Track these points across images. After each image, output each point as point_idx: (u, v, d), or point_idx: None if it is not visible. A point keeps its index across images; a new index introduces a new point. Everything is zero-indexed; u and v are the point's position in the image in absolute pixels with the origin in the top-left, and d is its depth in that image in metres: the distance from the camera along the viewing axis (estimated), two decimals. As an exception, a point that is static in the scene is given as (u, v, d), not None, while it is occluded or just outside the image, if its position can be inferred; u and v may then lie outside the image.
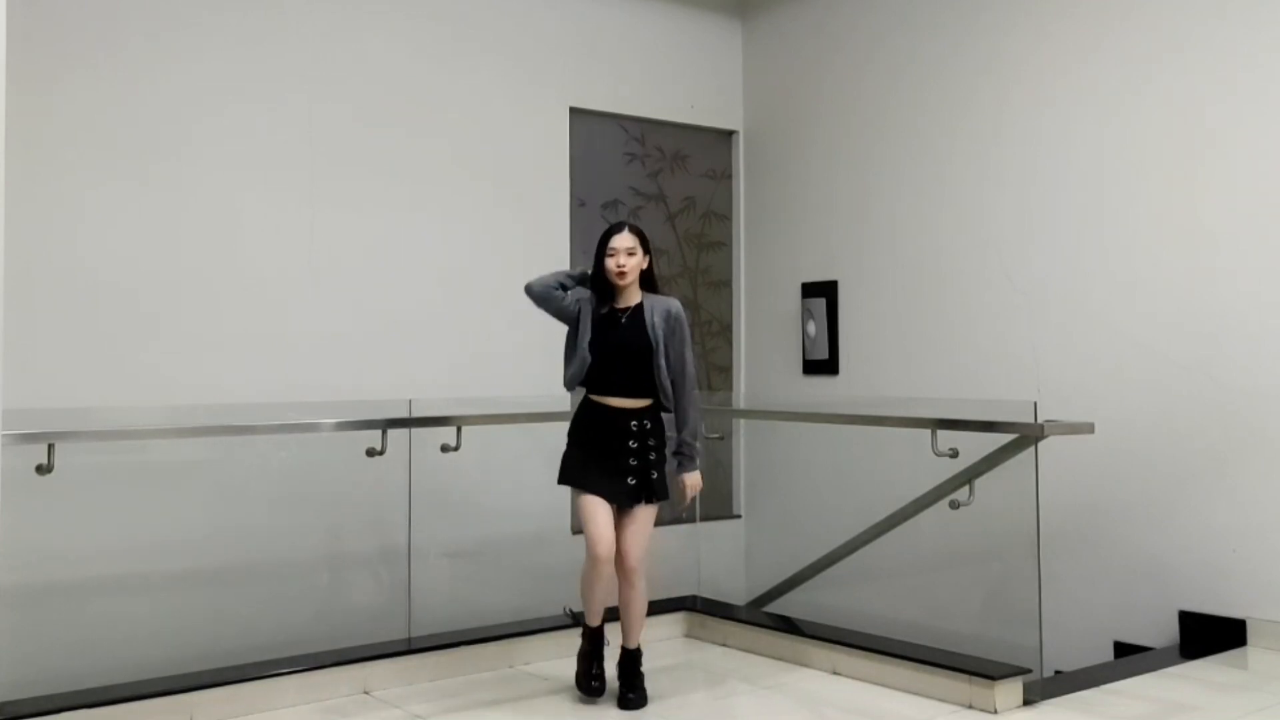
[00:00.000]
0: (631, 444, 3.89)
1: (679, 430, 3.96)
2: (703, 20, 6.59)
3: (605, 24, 6.20)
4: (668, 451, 3.98)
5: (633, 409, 3.91)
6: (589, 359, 3.91)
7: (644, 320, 3.92)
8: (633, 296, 3.96)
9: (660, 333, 3.90)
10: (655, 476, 3.92)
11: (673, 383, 3.92)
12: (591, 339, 3.91)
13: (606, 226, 4.03)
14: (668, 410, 3.97)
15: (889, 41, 5.99)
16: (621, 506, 3.91)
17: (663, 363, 3.90)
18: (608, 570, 3.87)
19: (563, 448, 4.06)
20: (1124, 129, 5.01)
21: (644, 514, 3.93)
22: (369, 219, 5.37)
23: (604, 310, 3.96)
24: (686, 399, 3.95)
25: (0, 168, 2.63)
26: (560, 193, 6.01)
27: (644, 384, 3.92)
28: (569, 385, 4.03)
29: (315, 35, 5.25)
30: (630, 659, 4.03)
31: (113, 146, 4.75)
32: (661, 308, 3.95)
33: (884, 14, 6.02)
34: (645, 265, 3.96)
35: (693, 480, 3.99)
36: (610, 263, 3.90)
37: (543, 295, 3.96)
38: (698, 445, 4.01)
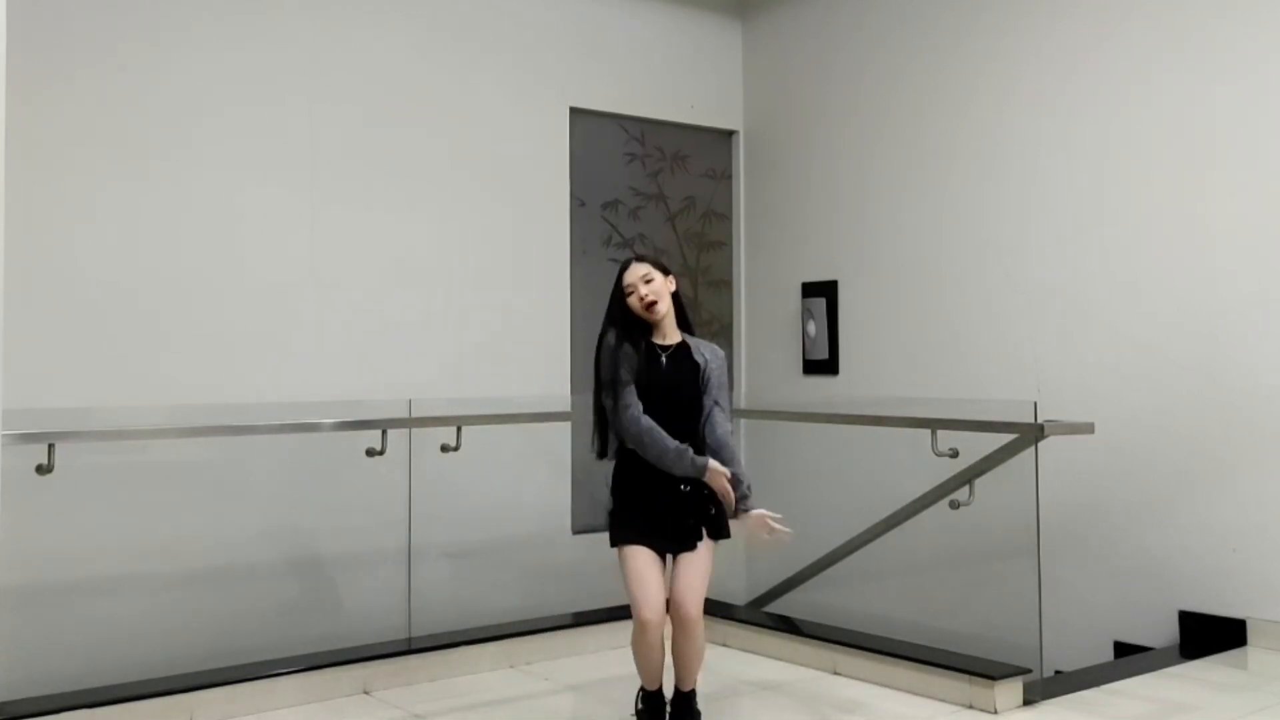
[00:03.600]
0: (684, 487, 3.47)
1: (733, 467, 3.53)
2: (703, 20, 6.59)
3: (605, 24, 6.20)
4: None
5: None
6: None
7: (692, 360, 3.56)
8: (672, 333, 3.58)
9: (712, 375, 3.56)
10: (714, 512, 3.52)
11: (723, 427, 3.57)
12: (637, 381, 3.49)
13: (618, 264, 3.67)
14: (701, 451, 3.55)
15: (889, 41, 6.00)
16: (680, 550, 3.49)
17: (715, 410, 3.55)
18: (658, 635, 3.44)
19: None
20: (1124, 128, 5.01)
21: (703, 555, 3.49)
22: (369, 219, 5.37)
23: (645, 350, 3.53)
24: (731, 438, 3.59)
25: (0, 167, 2.63)
26: (560, 193, 6.01)
27: (689, 425, 3.52)
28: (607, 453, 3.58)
29: (315, 35, 5.25)
30: (685, 701, 3.61)
31: (113, 146, 4.74)
32: (709, 351, 3.61)
33: (884, 14, 6.02)
34: (673, 288, 3.58)
35: (759, 515, 3.51)
36: (633, 299, 3.50)
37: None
38: (744, 478, 3.57)
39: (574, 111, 6.06)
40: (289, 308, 5.12)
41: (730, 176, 6.77)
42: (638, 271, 3.54)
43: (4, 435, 3.40)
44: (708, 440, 3.53)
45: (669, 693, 3.63)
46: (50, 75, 4.59)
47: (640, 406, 3.46)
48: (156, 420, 4.47)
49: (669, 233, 6.53)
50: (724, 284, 6.74)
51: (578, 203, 6.10)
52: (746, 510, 3.52)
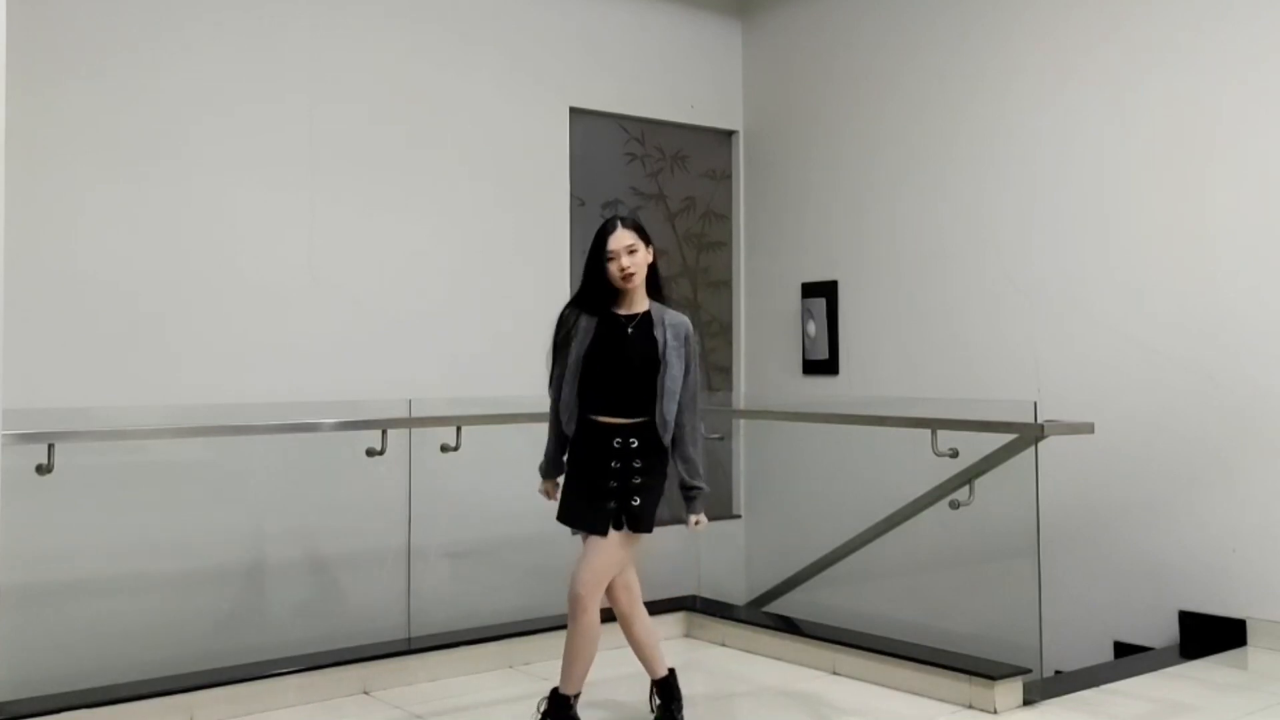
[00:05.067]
0: (614, 464, 3.46)
1: (684, 467, 3.54)
2: (703, 20, 6.59)
3: (605, 24, 6.20)
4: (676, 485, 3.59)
5: (621, 425, 3.48)
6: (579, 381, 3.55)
7: (652, 336, 3.50)
8: (639, 302, 3.54)
9: (669, 351, 3.48)
10: (637, 503, 3.45)
11: (680, 409, 3.51)
12: (590, 350, 3.50)
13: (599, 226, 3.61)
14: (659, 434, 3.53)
15: (889, 41, 5.99)
16: (590, 533, 3.47)
17: (667, 385, 3.48)
18: (593, 620, 3.51)
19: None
20: (1125, 128, 5.01)
21: (610, 543, 3.45)
22: (369, 219, 5.37)
23: (604, 319, 3.53)
24: (689, 431, 3.54)
25: (0, 168, 2.63)
26: (560, 192, 6.01)
27: (643, 401, 3.49)
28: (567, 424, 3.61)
29: (316, 35, 5.25)
30: (665, 685, 3.76)
31: (112, 146, 4.74)
32: (672, 322, 3.53)
33: (884, 14, 6.02)
34: (650, 259, 3.53)
35: (702, 522, 3.58)
36: (612, 267, 3.46)
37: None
38: (702, 485, 3.59)
39: (574, 111, 6.07)
40: (289, 307, 5.12)
41: (730, 176, 6.77)
42: (623, 240, 3.48)
43: (4, 435, 3.40)
44: (676, 449, 3.54)
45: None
46: (50, 75, 4.59)
47: (564, 392, 3.61)
48: (156, 420, 4.47)
49: (669, 233, 6.53)
50: (724, 284, 6.74)
51: (578, 203, 6.10)
52: (692, 509, 3.60)
